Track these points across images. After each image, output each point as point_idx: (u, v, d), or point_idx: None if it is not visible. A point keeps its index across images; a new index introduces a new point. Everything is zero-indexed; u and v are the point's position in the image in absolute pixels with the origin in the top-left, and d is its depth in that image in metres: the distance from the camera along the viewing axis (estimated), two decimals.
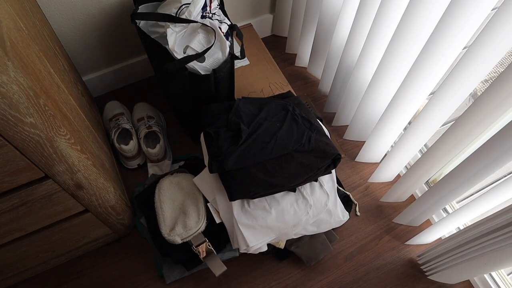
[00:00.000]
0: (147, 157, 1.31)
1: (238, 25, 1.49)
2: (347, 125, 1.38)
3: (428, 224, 1.25)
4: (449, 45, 0.83)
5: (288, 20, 1.49)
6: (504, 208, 0.84)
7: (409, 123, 1.19)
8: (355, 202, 1.31)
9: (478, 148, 0.84)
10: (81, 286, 1.17)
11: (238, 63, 1.40)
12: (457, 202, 1.28)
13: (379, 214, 1.30)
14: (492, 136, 0.79)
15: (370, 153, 1.30)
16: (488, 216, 0.90)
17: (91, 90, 1.40)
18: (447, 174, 0.96)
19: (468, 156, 0.87)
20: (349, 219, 1.27)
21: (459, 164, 0.91)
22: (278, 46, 1.62)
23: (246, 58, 1.42)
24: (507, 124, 0.76)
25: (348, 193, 1.31)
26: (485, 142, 0.81)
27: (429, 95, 1.04)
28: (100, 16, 1.20)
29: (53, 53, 0.98)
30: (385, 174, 1.27)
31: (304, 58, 1.50)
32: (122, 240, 1.23)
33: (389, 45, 0.98)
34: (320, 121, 1.26)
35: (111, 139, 1.27)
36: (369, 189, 1.34)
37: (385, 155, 1.21)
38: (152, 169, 1.31)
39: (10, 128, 0.64)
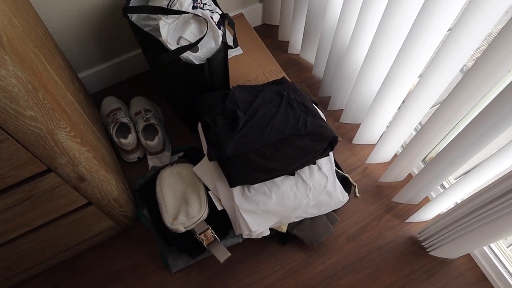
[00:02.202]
0: (146, 150, 1.32)
1: (232, 14, 1.50)
2: (343, 109, 1.39)
3: (426, 201, 1.27)
4: (435, 25, 0.85)
5: (279, 8, 1.50)
6: (498, 179, 0.86)
7: (403, 102, 1.21)
8: (354, 183, 1.33)
9: (469, 123, 0.85)
10: (88, 280, 1.19)
11: (231, 53, 1.41)
12: (454, 179, 1.30)
13: (378, 194, 1.32)
14: (481, 111, 0.81)
15: (366, 134, 1.31)
16: (483, 188, 0.91)
17: (87, 87, 1.40)
18: (441, 150, 0.98)
19: (460, 131, 0.89)
20: (349, 200, 1.29)
21: (452, 140, 0.93)
22: (270, 35, 1.63)
23: (239, 48, 1.43)
24: (495, 98, 0.77)
25: (346, 175, 1.33)
26: (475, 116, 0.83)
27: (420, 74, 1.06)
28: (92, 12, 1.21)
29: (48, 50, 0.99)
30: (382, 154, 1.29)
31: (296, 44, 1.52)
32: (126, 233, 1.25)
33: (378, 26, 0.99)
34: (316, 105, 1.27)
35: (110, 134, 1.28)
36: (367, 170, 1.36)
37: (381, 135, 1.22)
38: (152, 162, 1.32)
39: (11, 122, 0.66)
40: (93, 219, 1.07)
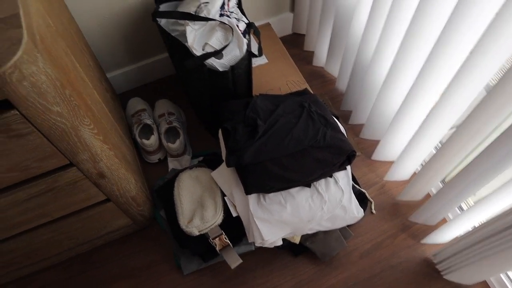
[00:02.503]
0: (167, 152, 1.35)
1: (256, 24, 1.52)
2: (363, 124, 1.38)
3: (444, 222, 1.25)
4: (459, 42, 0.84)
5: (306, 18, 1.51)
6: None
7: (424, 120, 1.19)
8: (371, 199, 1.32)
9: (491, 143, 0.84)
10: (103, 274, 1.22)
11: (256, 62, 1.43)
12: (474, 202, 1.26)
13: (395, 212, 1.30)
14: (503, 132, 0.79)
15: (386, 151, 1.30)
16: (504, 212, 0.89)
17: (115, 87, 1.45)
18: (460, 171, 0.96)
19: (481, 152, 0.87)
20: (364, 216, 1.28)
21: (472, 160, 0.91)
22: (298, 44, 1.64)
23: (264, 57, 1.45)
24: None
25: (363, 190, 1.32)
26: (497, 137, 0.81)
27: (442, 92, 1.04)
28: (124, 14, 1.26)
29: (79, 49, 1.04)
30: (401, 172, 1.28)
31: (321, 56, 1.52)
32: (142, 232, 1.28)
33: (402, 42, 0.99)
34: (337, 119, 1.27)
35: (133, 134, 1.32)
36: (385, 187, 1.34)
37: (401, 153, 1.21)
38: (172, 164, 1.35)
39: (38, 116, 0.69)
40: (111, 216, 1.10)
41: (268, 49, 1.47)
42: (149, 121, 1.33)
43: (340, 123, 1.43)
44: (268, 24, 1.53)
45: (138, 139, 1.30)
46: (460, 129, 0.92)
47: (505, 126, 0.81)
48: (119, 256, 1.24)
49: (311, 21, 1.46)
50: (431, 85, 0.98)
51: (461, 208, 1.23)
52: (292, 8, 1.57)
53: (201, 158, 1.35)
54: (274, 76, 1.41)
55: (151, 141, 1.29)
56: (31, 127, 0.70)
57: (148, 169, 1.37)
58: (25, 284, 1.21)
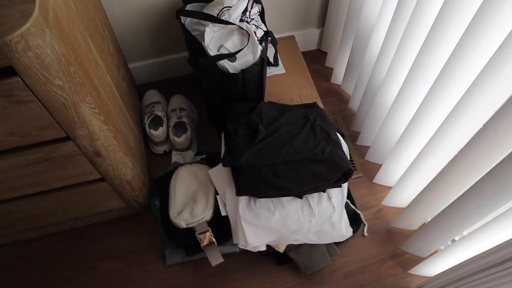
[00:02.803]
0: (173, 145, 1.39)
1: (281, 36, 1.55)
2: (370, 146, 1.38)
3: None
4: (462, 77, 0.84)
5: (332, 35, 1.53)
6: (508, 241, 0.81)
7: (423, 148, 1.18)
8: (365, 222, 1.30)
9: (483, 176, 0.82)
10: (92, 251, 1.27)
11: (274, 71, 1.45)
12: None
13: (387, 239, 1.28)
14: (497, 164, 0.78)
15: (387, 175, 1.29)
16: (493, 248, 0.86)
17: (135, 77, 1.51)
18: (452, 203, 0.94)
19: (475, 184, 0.85)
20: (355, 238, 1.28)
21: (465, 192, 0.89)
22: (321, 61, 1.66)
23: (282, 67, 1.47)
24: None
25: (359, 212, 1.31)
26: (490, 170, 0.80)
27: None
28: (152, 9, 1.32)
29: (100, 35, 1.10)
30: (398, 199, 1.26)
31: (339, 74, 1.53)
32: (136, 217, 1.32)
33: (411, 68, 0.99)
34: (342, 137, 1.27)
35: (144, 123, 1.37)
36: (382, 212, 1.33)
37: (399, 179, 1.19)
38: (175, 157, 1.39)
39: (40, 86, 0.74)
40: (105, 196, 1.15)
41: (288, 60, 1.49)
42: (160, 113, 1.38)
43: (346, 142, 1.43)
44: (292, 37, 1.56)
45: (147, 129, 1.35)
46: (454, 162, 0.91)
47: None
48: (110, 236, 1.29)
49: (333, 38, 1.48)
50: (432, 115, 0.97)
51: (454, 241, 1.20)
52: (320, 24, 1.59)
53: (204, 156, 1.38)
54: (289, 87, 1.43)
55: (159, 132, 1.34)
56: (32, 95, 0.75)
57: (153, 159, 1.41)
58: (19, 248, 1.27)
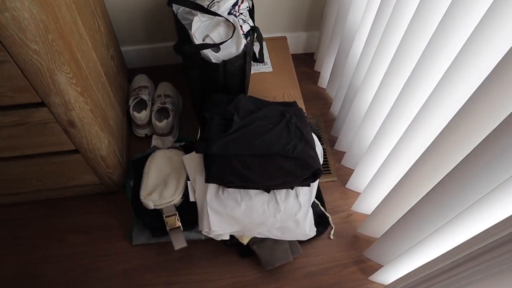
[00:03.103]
0: (154, 130, 1.42)
1: (273, 36, 1.58)
2: (345, 151, 1.40)
3: None
4: (423, 88, 0.86)
5: (321, 39, 1.56)
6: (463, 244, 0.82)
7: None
8: (332, 225, 1.32)
9: (439, 181, 0.84)
10: (63, 223, 1.29)
11: (261, 68, 1.48)
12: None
13: (352, 244, 1.30)
14: (449, 172, 0.79)
15: (357, 181, 1.31)
16: (446, 253, 0.87)
17: (127, 61, 1.55)
18: (408, 210, 0.96)
19: (426, 193, 0.87)
20: (320, 239, 1.29)
21: (418, 201, 0.91)
22: (311, 64, 1.69)
23: (270, 66, 1.50)
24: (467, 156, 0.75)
25: (328, 215, 1.33)
26: (444, 177, 0.81)
27: None
28: None
29: (91, 12, 1.13)
30: (365, 205, 1.28)
31: (325, 78, 1.56)
32: (109, 195, 1.34)
33: (385, 74, 1.01)
34: (319, 139, 1.30)
35: (128, 105, 1.40)
36: (350, 217, 1.35)
37: (366, 186, 1.21)
38: (155, 141, 1.42)
39: (15, 48, 0.77)
40: (79, 168, 1.17)
41: (277, 60, 1.52)
42: (145, 97, 1.41)
43: (324, 145, 1.46)
44: (284, 38, 1.59)
45: (131, 111, 1.38)
46: (411, 171, 0.93)
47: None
48: (82, 211, 1.32)
49: (322, 42, 1.51)
50: (398, 123, 1.00)
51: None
52: (311, 28, 1.62)
53: (183, 143, 1.41)
54: (274, 86, 1.45)
55: (142, 115, 1.37)
56: (8, 56, 0.79)
57: (135, 142, 1.45)
58: None
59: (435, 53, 0.82)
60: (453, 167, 0.78)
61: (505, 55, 0.61)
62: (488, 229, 0.68)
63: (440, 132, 0.80)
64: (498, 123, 0.63)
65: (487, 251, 0.66)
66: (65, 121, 0.98)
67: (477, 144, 0.69)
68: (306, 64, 1.69)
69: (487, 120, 0.69)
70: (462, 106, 0.73)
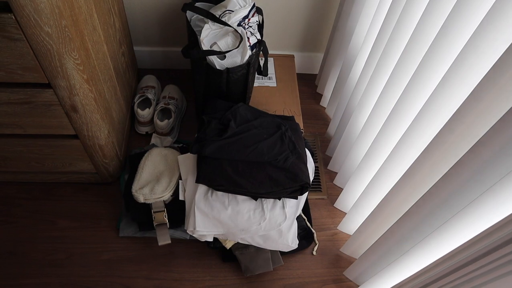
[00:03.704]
0: (155, 129, 1.47)
1: (281, 53, 1.64)
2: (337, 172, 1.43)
3: None
4: (411, 108, 0.90)
5: (326, 61, 1.60)
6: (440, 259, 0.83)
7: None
8: (316, 241, 1.33)
9: (413, 205, 0.86)
10: (54, 207, 1.33)
11: (265, 82, 1.53)
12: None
13: (334, 262, 1.31)
14: (424, 194, 0.82)
15: (345, 201, 1.33)
16: (426, 267, 0.89)
17: (138, 60, 1.61)
18: (384, 233, 0.98)
19: (404, 214, 0.89)
20: (303, 254, 1.31)
21: (395, 223, 0.93)
22: (314, 85, 1.73)
23: (275, 81, 1.55)
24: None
25: (313, 231, 1.34)
26: (420, 199, 0.84)
27: None
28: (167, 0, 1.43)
29: (108, 8, 1.19)
30: (350, 225, 1.29)
31: (327, 99, 1.60)
32: (103, 186, 1.38)
33: (378, 97, 1.05)
34: (312, 156, 1.33)
35: (133, 102, 1.45)
36: (336, 236, 1.36)
37: (352, 206, 1.23)
38: (154, 140, 1.46)
39: (30, 28, 0.83)
40: (77, 154, 1.21)
41: (282, 76, 1.57)
42: (151, 96, 1.46)
43: (316, 162, 1.48)
44: (291, 56, 1.64)
45: (135, 108, 1.43)
46: (390, 193, 0.95)
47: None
48: (74, 198, 1.35)
49: (326, 64, 1.56)
50: (385, 145, 1.03)
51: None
52: (319, 50, 1.67)
53: (181, 145, 1.45)
54: (275, 100, 1.50)
55: (145, 113, 1.42)
56: (22, 35, 0.84)
57: (135, 138, 1.49)
58: None
59: (420, 85, 0.86)
60: (426, 190, 0.81)
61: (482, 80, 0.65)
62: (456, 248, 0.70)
63: (415, 160, 0.83)
64: (467, 149, 0.66)
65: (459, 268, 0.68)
66: (68, 105, 1.03)
67: (447, 170, 0.71)
68: (310, 84, 1.73)
69: (460, 147, 0.72)
70: (436, 135, 0.77)
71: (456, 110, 0.71)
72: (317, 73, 1.73)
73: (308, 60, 1.71)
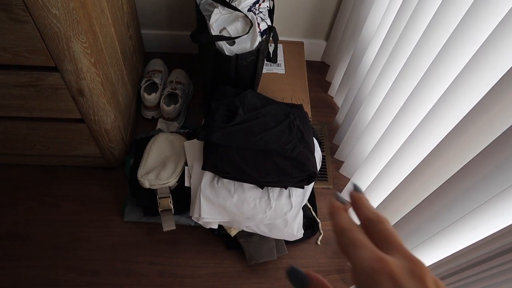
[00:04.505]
0: (161, 113, 1.45)
1: (291, 40, 1.61)
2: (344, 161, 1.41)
3: None
4: (429, 98, 0.87)
5: (335, 49, 1.57)
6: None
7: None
8: (321, 231, 1.33)
9: (421, 202, 0.85)
10: (59, 190, 1.32)
11: (274, 69, 1.51)
12: None
13: (338, 253, 1.31)
14: (422, 201, 0.81)
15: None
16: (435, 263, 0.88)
17: (146, 44, 1.58)
18: (393, 225, 0.97)
19: (412, 210, 0.88)
20: (307, 243, 1.30)
21: (401, 218, 0.92)
22: (324, 73, 1.71)
23: (283, 68, 1.53)
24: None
25: (318, 220, 1.34)
26: (421, 202, 0.83)
27: None
28: None
29: None
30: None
31: (335, 87, 1.57)
32: (109, 170, 1.37)
33: (390, 87, 1.03)
34: (320, 145, 1.31)
35: (140, 86, 1.43)
36: None
37: None
38: (160, 125, 1.45)
39: (37, 10, 0.81)
40: (82, 138, 1.20)
41: (291, 63, 1.54)
42: (157, 81, 1.44)
43: (325, 153, 1.47)
44: (301, 43, 1.61)
45: (142, 92, 1.41)
46: (402, 185, 0.94)
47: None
48: (79, 181, 1.35)
49: (336, 52, 1.53)
50: (396, 136, 1.01)
51: None
52: (327, 37, 1.64)
53: (187, 130, 1.43)
54: (284, 87, 1.48)
55: (151, 97, 1.40)
56: (29, 17, 0.82)
57: (141, 122, 1.48)
58: None
59: (440, 71, 0.83)
60: (439, 184, 0.79)
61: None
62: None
63: (430, 151, 0.82)
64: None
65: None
66: (75, 89, 1.01)
67: (467, 161, 0.70)
68: (319, 71, 1.71)
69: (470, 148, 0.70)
70: (448, 134, 0.75)
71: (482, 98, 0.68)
72: (326, 60, 1.70)
73: (317, 47, 1.68)
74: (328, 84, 1.65)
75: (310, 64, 1.68)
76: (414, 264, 0.28)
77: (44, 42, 0.88)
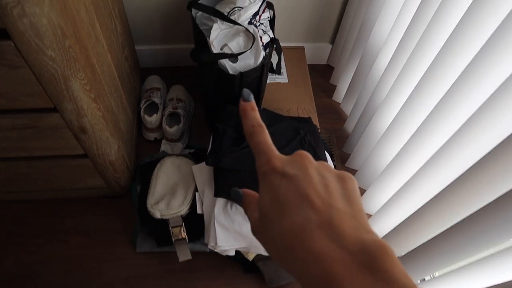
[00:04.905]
0: (164, 135, 1.39)
1: (290, 45, 1.55)
2: (357, 170, 1.37)
3: None
4: (463, 106, 0.82)
5: (341, 52, 1.52)
6: None
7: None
8: None
9: (446, 230, 0.81)
10: (66, 224, 1.27)
11: (276, 79, 1.45)
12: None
13: None
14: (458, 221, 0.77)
15: (369, 203, 1.28)
16: None
17: (140, 60, 1.52)
18: (410, 251, 0.94)
19: (437, 235, 0.85)
20: None
21: (421, 245, 0.88)
22: (327, 76, 1.65)
23: (286, 76, 1.47)
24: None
25: None
26: (455, 224, 0.79)
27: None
28: None
29: (109, 12, 1.10)
30: (376, 229, 1.25)
31: (341, 93, 1.52)
32: (115, 199, 1.32)
33: (410, 95, 0.97)
34: (330, 156, 1.27)
35: (140, 107, 1.37)
36: None
37: (377, 211, 1.18)
38: (164, 147, 1.39)
39: (31, 54, 0.74)
40: (86, 172, 1.15)
41: (293, 71, 1.49)
42: (157, 100, 1.38)
43: (335, 162, 1.43)
44: (302, 48, 1.56)
45: (142, 114, 1.35)
46: (429, 205, 0.90)
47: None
48: (86, 213, 1.29)
49: (341, 55, 1.48)
50: (421, 149, 0.96)
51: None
52: (331, 40, 1.59)
53: (192, 151, 1.38)
54: (288, 97, 1.42)
55: (152, 119, 1.34)
56: (23, 62, 0.76)
57: (143, 144, 1.42)
58: None
59: (479, 73, 0.75)
60: (469, 213, 0.75)
61: None
62: None
63: (467, 170, 0.77)
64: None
65: None
66: (76, 127, 0.95)
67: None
68: (321, 75, 1.65)
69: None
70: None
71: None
72: (327, 63, 1.65)
73: (317, 50, 1.62)
74: (332, 88, 1.60)
75: (313, 68, 1.63)
76: (298, 155, 0.32)
77: (41, 84, 0.82)
